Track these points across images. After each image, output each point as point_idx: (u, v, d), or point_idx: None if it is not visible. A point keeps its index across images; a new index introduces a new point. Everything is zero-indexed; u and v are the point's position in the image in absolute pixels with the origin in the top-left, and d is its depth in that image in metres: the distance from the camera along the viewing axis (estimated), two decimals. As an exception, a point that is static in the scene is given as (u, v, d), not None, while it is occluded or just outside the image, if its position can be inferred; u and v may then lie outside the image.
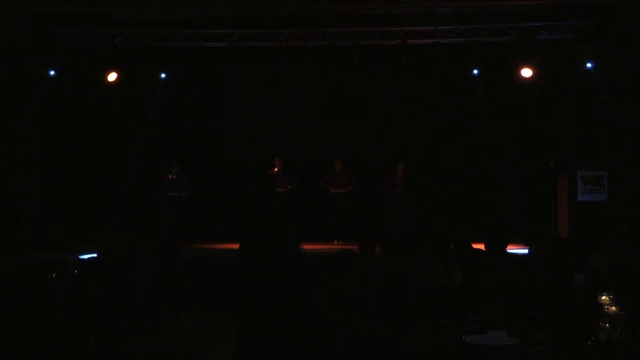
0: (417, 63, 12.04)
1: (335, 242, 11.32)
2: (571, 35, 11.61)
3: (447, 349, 3.64)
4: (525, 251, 6.90)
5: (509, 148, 12.16)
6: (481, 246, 6.12)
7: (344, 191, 11.66)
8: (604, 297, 3.46)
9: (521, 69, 11.49)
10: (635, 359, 3.36)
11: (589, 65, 11.45)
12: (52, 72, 11.91)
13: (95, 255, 6.75)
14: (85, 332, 4.44)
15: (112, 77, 11.76)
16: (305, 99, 12.63)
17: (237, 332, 2.34)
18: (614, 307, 3.38)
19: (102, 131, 12.35)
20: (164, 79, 12.58)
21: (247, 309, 2.32)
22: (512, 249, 7.48)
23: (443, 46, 11.86)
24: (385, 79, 12.67)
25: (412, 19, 11.65)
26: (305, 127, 12.69)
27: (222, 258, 9.16)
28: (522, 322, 4.08)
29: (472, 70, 12.22)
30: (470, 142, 12.50)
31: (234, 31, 11.94)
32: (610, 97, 11.23)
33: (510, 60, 11.53)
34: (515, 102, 11.82)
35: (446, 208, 11.98)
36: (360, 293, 2.89)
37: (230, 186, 12.56)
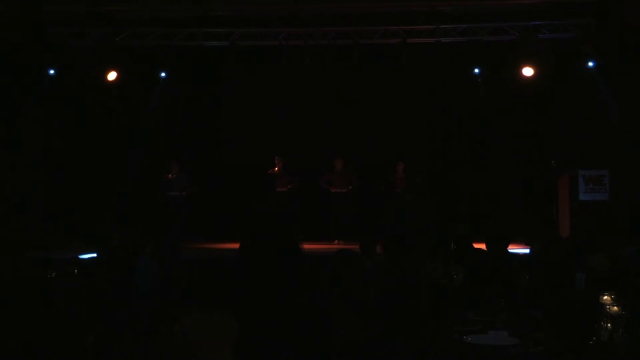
0: (417, 62, 12.04)
1: (336, 242, 11.31)
2: (572, 35, 11.59)
3: (447, 349, 3.63)
4: (526, 251, 6.89)
5: (510, 148, 12.15)
6: (481, 246, 6.10)
7: (344, 191, 11.65)
8: (605, 297, 3.44)
9: (522, 68, 11.47)
10: None
11: (590, 64, 11.43)
12: (52, 72, 11.90)
13: (95, 255, 6.74)
14: (85, 332, 4.43)
15: (112, 76, 11.76)
16: (306, 99, 12.62)
17: (237, 332, 2.33)
18: (615, 307, 3.36)
19: (102, 131, 12.34)
20: (164, 79, 12.57)
21: (247, 309, 2.31)
22: (513, 249, 7.47)
23: (444, 45, 11.84)
24: (385, 79, 12.67)
25: (412, 17, 11.63)
26: (305, 127, 12.68)
27: (222, 258, 9.16)
28: (523, 322, 4.07)
29: (473, 69, 12.21)
30: (470, 141, 12.48)
31: (234, 30, 11.93)
32: (611, 97, 11.22)
33: (511, 59, 11.51)
34: (516, 101, 11.82)
35: (446, 208, 11.97)
36: (360, 293, 2.88)
37: (230, 186, 12.55)
